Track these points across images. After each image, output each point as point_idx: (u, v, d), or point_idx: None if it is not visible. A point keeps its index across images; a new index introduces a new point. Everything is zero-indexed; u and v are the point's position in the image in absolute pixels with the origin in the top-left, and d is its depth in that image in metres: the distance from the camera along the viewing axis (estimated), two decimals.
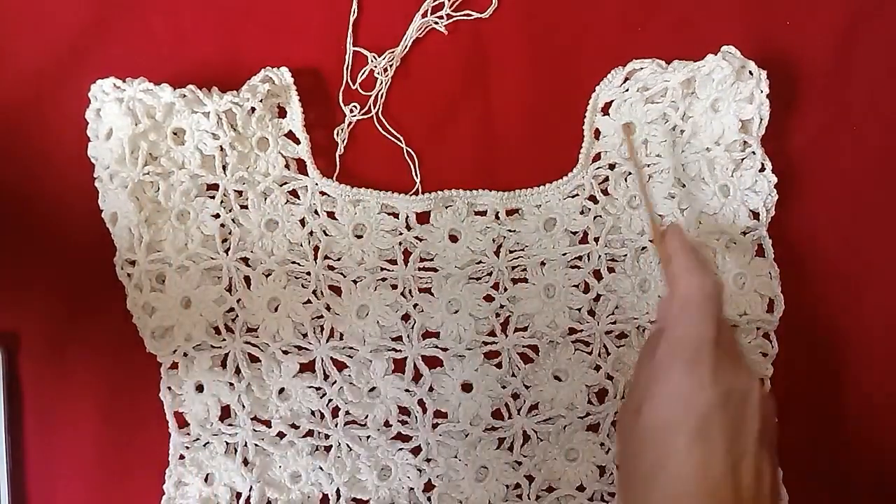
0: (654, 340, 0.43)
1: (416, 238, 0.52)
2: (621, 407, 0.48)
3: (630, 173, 0.52)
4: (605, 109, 0.53)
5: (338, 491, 0.51)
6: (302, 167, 0.52)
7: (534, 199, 0.52)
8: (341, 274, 0.52)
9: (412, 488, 0.52)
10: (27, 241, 0.52)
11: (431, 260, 0.52)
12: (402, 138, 0.53)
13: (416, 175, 0.53)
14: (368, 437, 0.52)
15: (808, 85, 0.53)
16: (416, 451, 0.52)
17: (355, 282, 0.52)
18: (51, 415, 0.52)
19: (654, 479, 0.39)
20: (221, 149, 0.50)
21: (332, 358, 0.52)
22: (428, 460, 0.52)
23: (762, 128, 0.50)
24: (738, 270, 0.50)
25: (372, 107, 0.53)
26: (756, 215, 0.51)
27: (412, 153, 0.53)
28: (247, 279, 0.51)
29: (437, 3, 0.53)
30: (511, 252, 0.52)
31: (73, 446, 0.52)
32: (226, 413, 0.52)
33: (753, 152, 0.50)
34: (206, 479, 0.52)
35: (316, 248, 0.52)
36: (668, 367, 0.41)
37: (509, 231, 0.52)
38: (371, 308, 0.51)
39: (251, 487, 0.51)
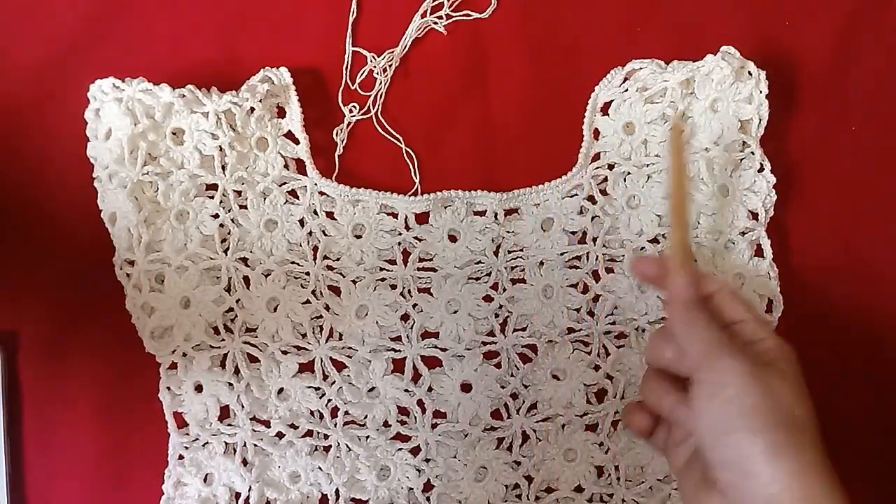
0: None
1: (416, 238, 0.52)
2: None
3: (629, 173, 0.52)
4: (605, 109, 0.53)
5: (337, 491, 0.51)
6: (301, 167, 0.52)
7: (532, 198, 0.52)
8: (340, 274, 0.52)
9: (411, 488, 0.51)
10: (27, 240, 0.52)
11: (431, 260, 0.52)
12: (401, 138, 0.53)
13: (416, 175, 0.53)
14: (367, 437, 0.52)
15: (807, 85, 0.53)
16: (415, 451, 0.52)
17: (354, 282, 0.52)
18: (50, 414, 0.52)
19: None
20: (220, 149, 0.51)
21: (331, 358, 0.52)
22: (427, 460, 0.52)
23: (761, 128, 0.50)
24: (737, 271, 0.50)
25: (371, 107, 0.53)
26: (755, 215, 0.50)
27: (411, 153, 0.53)
28: (246, 279, 0.51)
29: (436, 3, 0.53)
30: (510, 252, 0.52)
31: (72, 446, 0.52)
32: (225, 413, 0.52)
33: (752, 152, 0.50)
34: (205, 480, 0.52)
35: (315, 249, 0.52)
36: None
37: (508, 232, 0.52)
38: (370, 308, 0.51)
39: (250, 487, 0.51)
